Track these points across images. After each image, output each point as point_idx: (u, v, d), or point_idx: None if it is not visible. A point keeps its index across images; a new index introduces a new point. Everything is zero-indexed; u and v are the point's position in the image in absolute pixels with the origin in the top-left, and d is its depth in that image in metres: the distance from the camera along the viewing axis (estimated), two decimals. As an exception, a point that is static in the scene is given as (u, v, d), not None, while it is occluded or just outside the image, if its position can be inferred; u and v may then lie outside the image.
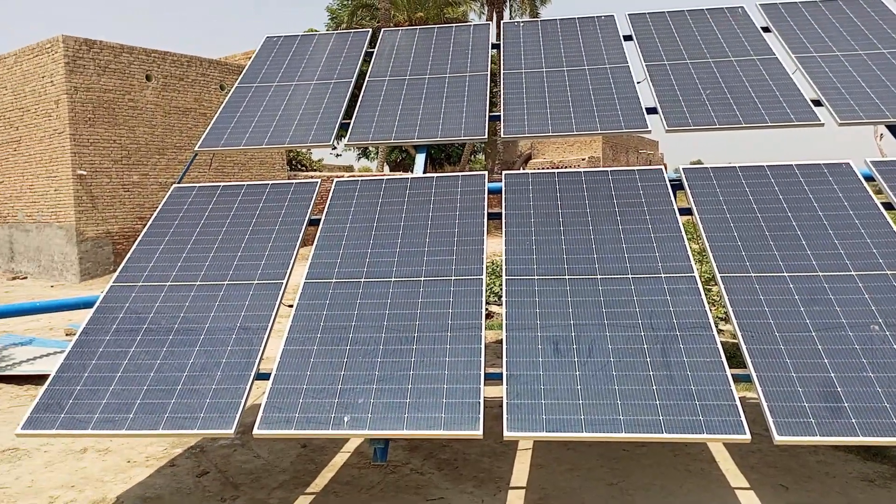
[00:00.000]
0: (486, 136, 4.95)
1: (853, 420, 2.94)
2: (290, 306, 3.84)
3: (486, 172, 4.64)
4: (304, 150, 26.27)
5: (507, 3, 30.67)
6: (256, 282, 3.96)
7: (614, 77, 5.36)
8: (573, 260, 3.87)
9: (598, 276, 3.75)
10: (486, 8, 29.60)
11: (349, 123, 5.27)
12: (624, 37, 5.86)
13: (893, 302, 3.40)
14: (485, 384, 3.28)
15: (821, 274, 3.60)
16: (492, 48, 6.11)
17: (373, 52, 6.19)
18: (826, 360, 3.18)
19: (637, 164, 37.57)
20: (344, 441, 4.41)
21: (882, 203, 4.01)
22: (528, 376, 3.27)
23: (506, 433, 3.05)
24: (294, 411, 3.22)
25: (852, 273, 3.58)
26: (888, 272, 3.56)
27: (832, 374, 3.12)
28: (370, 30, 6.67)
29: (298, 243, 4.25)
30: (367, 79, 5.78)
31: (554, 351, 3.38)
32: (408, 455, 4.14)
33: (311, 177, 19.50)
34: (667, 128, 4.78)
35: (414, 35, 6.37)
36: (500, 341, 3.52)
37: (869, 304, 3.41)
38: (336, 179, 4.73)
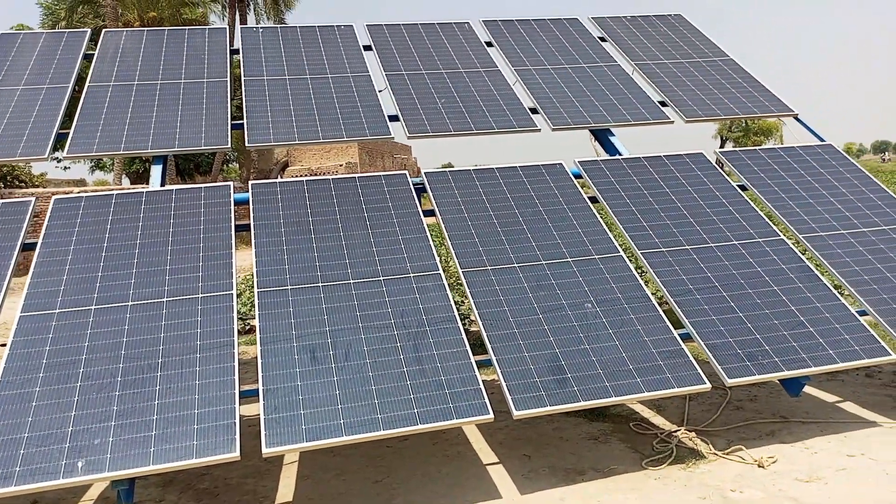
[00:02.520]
0: (229, 145, 4.76)
1: (576, 388, 3.38)
2: (3, 345, 3.34)
3: (230, 184, 4.47)
4: (19, 165, 22.78)
5: (251, 7, 29.71)
6: (-46, 321, 3.36)
7: (357, 85, 5.50)
8: (326, 266, 3.90)
9: (351, 281, 3.82)
10: (227, 11, 28.33)
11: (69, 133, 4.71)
12: (364, 46, 6.03)
13: (601, 282, 3.97)
14: (243, 402, 3.16)
15: (544, 262, 4.07)
16: (233, 53, 5.89)
17: (93, 54, 5.60)
18: (552, 338, 3.61)
19: (393, 169, 38.94)
20: (84, 489, 3.93)
21: (588, 197, 4.65)
22: (286, 388, 3.22)
23: (265, 449, 2.97)
24: (14, 465, 2.80)
25: (568, 259, 4.10)
26: (596, 256, 4.14)
27: (557, 350, 3.55)
28: (89, 30, 6.03)
29: (10, 272, 3.69)
30: (87, 84, 5.22)
31: (311, 359, 3.37)
32: (161, 491, 3.82)
33: (31, 194, 17.01)
34: (408, 134, 5.03)
35: (141, 37, 5.89)
36: (256, 356, 3.43)
37: (583, 285, 3.94)
38: (54, 197, 4.20)
